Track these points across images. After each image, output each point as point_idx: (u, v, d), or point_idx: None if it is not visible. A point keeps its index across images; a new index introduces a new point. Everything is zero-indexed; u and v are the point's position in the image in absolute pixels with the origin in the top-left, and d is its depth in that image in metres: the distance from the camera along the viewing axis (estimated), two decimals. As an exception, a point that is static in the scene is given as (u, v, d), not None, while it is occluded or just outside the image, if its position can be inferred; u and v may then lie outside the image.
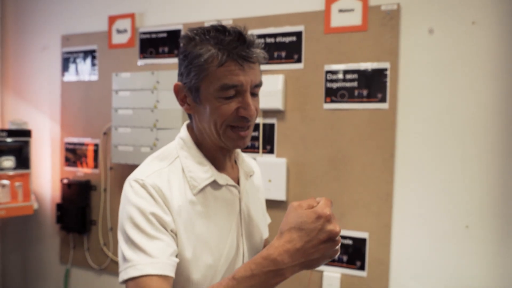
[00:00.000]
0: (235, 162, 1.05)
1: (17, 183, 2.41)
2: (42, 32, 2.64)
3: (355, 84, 1.82)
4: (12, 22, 2.75)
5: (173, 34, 2.20)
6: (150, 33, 2.26)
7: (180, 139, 0.98)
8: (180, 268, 0.86)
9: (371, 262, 1.80)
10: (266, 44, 1.97)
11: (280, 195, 1.92)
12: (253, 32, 1.98)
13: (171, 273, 0.81)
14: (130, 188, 0.88)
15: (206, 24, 0.92)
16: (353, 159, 1.82)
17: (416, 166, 1.74)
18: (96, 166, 2.43)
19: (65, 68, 2.54)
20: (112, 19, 2.36)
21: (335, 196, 1.84)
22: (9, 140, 2.40)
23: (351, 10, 1.82)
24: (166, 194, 0.87)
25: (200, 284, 0.88)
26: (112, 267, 2.39)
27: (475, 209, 1.65)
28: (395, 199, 1.77)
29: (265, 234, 1.16)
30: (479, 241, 1.64)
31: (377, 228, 1.79)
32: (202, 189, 0.93)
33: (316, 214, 0.74)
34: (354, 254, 1.83)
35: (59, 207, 2.49)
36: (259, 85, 0.92)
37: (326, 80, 1.87)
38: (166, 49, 2.22)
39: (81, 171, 2.48)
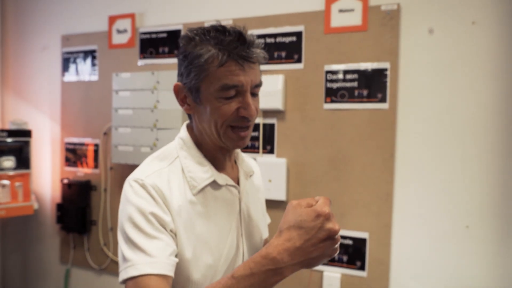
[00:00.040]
0: (235, 162, 1.06)
1: (17, 183, 2.41)
2: (42, 32, 2.64)
3: (355, 84, 1.82)
4: (12, 22, 2.75)
5: (173, 34, 2.20)
6: (150, 33, 2.26)
7: (180, 139, 0.99)
8: (180, 268, 0.86)
9: (371, 262, 1.80)
10: (266, 44, 1.97)
11: (280, 195, 1.92)
12: (253, 32, 1.98)
13: (171, 273, 0.81)
14: (130, 188, 0.88)
15: (206, 24, 0.92)
16: (353, 159, 1.82)
17: (416, 166, 1.74)
18: (96, 166, 2.43)
19: (65, 68, 2.54)
20: (112, 19, 2.36)
21: (335, 196, 1.84)
22: (9, 140, 2.40)
23: (351, 10, 1.82)
24: (166, 194, 0.87)
25: (200, 284, 0.89)
26: (112, 267, 2.39)
27: (475, 209, 1.65)
28: (395, 199, 1.77)
29: (265, 234, 1.16)
30: (479, 241, 1.64)
31: (377, 228, 1.79)
32: (202, 189, 0.93)
33: (315, 213, 0.74)
34: (354, 254, 1.83)
35: (59, 207, 2.49)
36: (259, 85, 0.92)
37: (326, 80, 1.87)
38: (166, 49, 2.22)
39: (81, 171, 2.48)
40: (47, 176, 2.63)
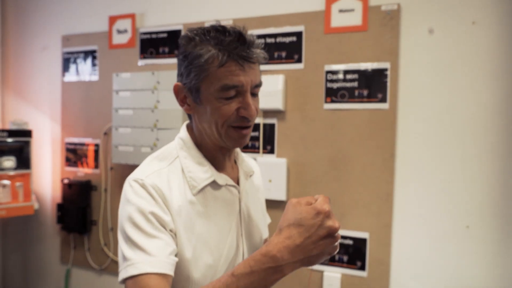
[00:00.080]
0: (235, 162, 1.06)
1: (17, 183, 2.41)
2: (42, 33, 2.64)
3: (355, 84, 1.82)
4: (12, 22, 2.76)
5: (174, 34, 2.20)
6: (150, 33, 2.26)
7: (180, 139, 0.99)
8: (180, 268, 0.87)
9: (372, 262, 1.80)
10: (266, 44, 1.97)
11: (281, 195, 1.92)
12: (253, 32, 1.98)
13: (170, 272, 0.81)
14: (130, 188, 0.88)
15: (207, 24, 0.92)
16: (353, 159, 1.82)
17: (417, 166, 1.74)
18: (96, 166, 2.43)
19: (65, 68, 2.54)
20: (112, 20, 2.36)
21: (335, 196, 1.84)
22: (9, 140, 2.40)
23: (351, 10, 1.82)
24: (165, 194, 0.88)
25: (201, 284, 0.89)
26: (112, 267, 2.39)
27: (476, 209, 1.65)
28: (396, 199, 1.77)
29: (265, 234, 1.16)
30: (479, 241, 1.64)
31: (378, 228, 1.79)
32: (202, 189, 0.93)
33: (315, 210, 0.75)
34: (354, 254, 1.83)
35: (60, 207, 2.49)
36: (259, 85, 0.92)
37: (326, 80, 1.87)
38: (166, 49, 2.22)
39: (82, 171, 2.48)
40: (48, 176, 2.63)
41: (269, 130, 1.98)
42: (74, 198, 2.43)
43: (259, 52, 0.88)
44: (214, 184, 0.95)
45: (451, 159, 1.68)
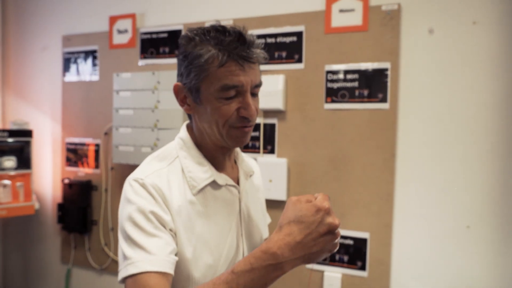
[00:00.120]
0: (235, 162, 1.06)
1: (18, 183, 2.41)
2: (43, 33, 2.64)
3: (355, 84, 1.82)
4: (13, 22, 2.76)
5: (174, 34, 2.20)
6: (150, 33, 2.26)
7: (180, 139, 0.99)
8: (180, 267, 0.87)
9: (372, 262, 1.80)
10: (266, 44, 1.97)
11: (281, 195, 1.92)
12: (253, 32, 1.98)
13: (170, 271, 0.81)
14: (130, 188, 0.88)
15: (207, 24, 0.92)
16: (353, 159, 1.82)
17: (417, 166, 1.73)
18: (97, 166, 2.43)
19: (66, 68, 2.54)
20: (113, 20, 2.36)
21: (336, 196, 1.84)
22: (10, 140, 2.40)
23: (352, 10, 1.81)
24: (165, 193, 0.88)
25: (201, 283, 0.89)
26: (113, 267, 2.40)
27: (476, 209, 1.65)
28: (396, 199, 1.77)
29: (265, 234, 1.16)
30: (480, 241, 1.64)
31: (378, 228, 1.78)
32: (202, 189, 0.93)
33: (315, 207, 0.75)
34: (355, 254, 1.83)
35: (60, 207, 2.49)
36: (259, 85, 0.92)
37: (327, 80, 1.87)
38: (166, 49, 2.22)
39: (82, 171, 2.48)
40: (48, 176, 2.63)
41: (270, 130, 1.98)
42: (74, 198, 2.43)
43: (259, 52, 0.88)
44: (214, 184, 0.95)
45: (451, 159, 1.68)
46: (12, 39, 2.76)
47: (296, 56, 1.92)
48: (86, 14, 2.49)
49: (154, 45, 2.25)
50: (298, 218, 0.75)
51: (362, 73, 1.80)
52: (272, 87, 1.90)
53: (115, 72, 2.26)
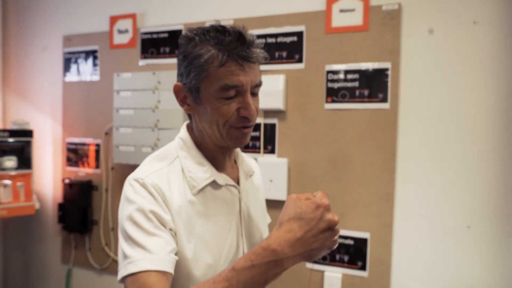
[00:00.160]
0: (235, 162, 1.06)
1: (19, 183, 2.42)
2: (43, 33, 2.65)
3: (356, 84, 1.81)
4: (13, 22, 2.76)
5: (174, 34, 2.21)
6: (151, 33, 2.27)
7: (180, 139, 0.99)
8: (180, 267, 0.87)
9: (372, 262, 1.80)
10: (267, 44, 1.97)
11: (281, 195, 1.91)
12: (254, 32, 1.98)
13: (170, 270, 0.81)
14: (130, 187, 0.88)
15: (207, 24, 0.92)
16: (354, 159, 1.82)
17: (417, 166, 1.73)
18: (97, 166, 2.44)
19: (66, 68, 2.55)
20: (113, 20, 2.36)
21: (336, 196, 1.84)
22: (11, 140, 2.40)
23: (352, 10, 1.81)
24: (166, 193, 0.88)
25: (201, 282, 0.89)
26: (113, 267, 2.40)
27: (477, 209, 1.64)
28: (396, 199, 1.76)
29: (265, 233, 1.16)
30: (480, 241, 1.64)
31: (378, 228, 1.78)
32: (202, 189, 0.93)
33: (315, 204, 0.75)
34: (355, 254, 1.83)
35: (61, 207, 2.49)
36: (259, 85, 0.92)
37: (327, 80, 1.86)
38: (167, 49, 2.22)
39: (83, 171, 2.48)
40: (49, 176, 2.63)
41: (270, 130, 1.98)
42: (75, 198, 2.44)
43: (259, 52, 0.88)
44: (214, 184, 0.95)
45: (452, 159, 1.68)
46: (12, 39, 2.77)
47: (297, 56, 1.92)
48: (87, 14, 2.49)
49: (154, 45, 2.26)
50: (298, 214, 0.75)
51: (362, 73, 1.80)
52: (273, 87, 1.90)
53: (116, 72, 2.26)
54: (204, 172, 0.94)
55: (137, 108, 2.15)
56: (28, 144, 2.47)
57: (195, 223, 0.90)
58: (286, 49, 1.94)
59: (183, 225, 0.88)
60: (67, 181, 2.46)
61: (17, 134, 2.43)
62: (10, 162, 2.39)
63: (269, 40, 1.98)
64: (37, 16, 2.67)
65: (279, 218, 0.79)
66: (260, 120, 1.99)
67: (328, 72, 1.86)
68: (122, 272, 0.80)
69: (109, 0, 2.40)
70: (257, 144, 2.01)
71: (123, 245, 0.84)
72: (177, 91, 0.94)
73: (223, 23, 0.91)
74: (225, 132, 0.90)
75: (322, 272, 1.88)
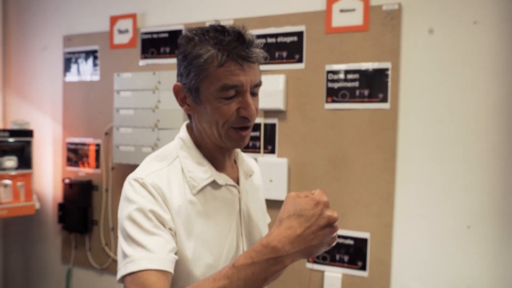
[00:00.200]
0: (235, 162, 1.06)
1: (19, 183, 2.42)
2: (43, 33, 2.65)
3: (356, 84, 1.81)
4: (14, 22, 2.76)
5: (174, 34, 2.21)
6: (151, 33, 2.27)
7: (180, 139, 0.99)
8: (180, 267, 0.87)
9: (372, 262, 1.80)
10: (267, 44, 1.97)
11: (281, 195, 1.91)
12: (254, 32, 1.98)
13: (170, 269, 0.81)
14: (130, 187, 0.88)
15: (207, 25, 0.92)
16: (354, 159, 1.82)
17: (418, 166, 1.73)
18: (97, 166, 2.44)
19: (67, 68, 2.55)
20: (113, 20, 2.36)
21: (336, 196, 1.84)
22: (11, 140, 2.41)
23: (352, 10, 1.81)
24: (165, 193, 0.88)
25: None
26: (113, 267, 2.40)
27: (477, 209, 1.64)
28: (396, 199, 1.76)
29: (265, 233, 1.16)
30: (480, 241, 1.64)
31: (378, 228, 1.78)
32: (202, 189, 0.93)
33: (314, 201, 0.76)
34: (355, 254, 1.82)
35: (61, 207, 2.49)
36: (258, 84, 0.92)
37: (327, 80, 1.86)
38: (167, 49, 2.22)
39: (83, 171, 2.48)
40: (49, 176, 2.64)
41: (270, 130, 1.98)
42: (75, 198, 2.44)
43: (259, 52, 0.88)
44: (214, 184, 0.95)
45: (452, 159, 1.68)
46: (13, 39, 2.77)
47: (297, 56, 1.92)
48: (87, 14, 2.49)
49: (154, 45, 2.26)
50: (298, 211, 0.76)
51: (362, 73, 1.80)
52: (273, 87, 1.90)
53: (116, 72, 2.26)
54: (204, 172, 0.94)
55: (137, 108, 2.15)
56: (28, 144, 2.47)
57: (195, 223, 0.90)
58: (286, 49, 1.94)
59: (183, 225, 0.88)
60: (67, 181, 2.46)
61: (17, 134, 2.43)
62: (10, 162, 2.39)
63: (269, 40, 1.98)
64: (37, 16, 2.67)
65: (278, 215, 0.79)
66: (260, 120, 1.99)
67: (328, 72, 1.86)
68: (122, 271, 0.80)
69: (109, 0, 2.40)
70: (257, 144, 2.01)
71: (122, 245, 0.84)
72: (176, 91, 0.94)
73: (223, 23, 0.91)
74: (224, 132, 0.90)
75: (322, 272, 1.88)
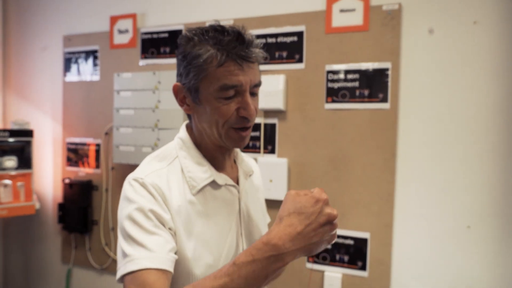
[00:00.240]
0: (235, 161, 1.06)
1: (19, 183, 2.42)
2: (43, 32, 2.65)
3: (356, 84, 1.81)
4: (14, 22, 2.76)
5: (174, 34, 2.21)
6: (151, 33, 2.27)
7: (179, 139, 0.99)
8: (180, 267, 0.87)
9: (373, 262, 1.80)
10: (267, 44, 1.97)
11: (281, 195, 1.91)
12: (254, 32, 1.98)
13: (170, 269, 0.81)
14: (130, 187, 0.88)
15: (207, 25, 0.92)
16: (354, 159, 1.82)
17: (418, 166, 1.73)
18: (97, 166, 2.44)
19: (67, 68, 2.55)
20: (113, 20, 2.36)
21: (336, 196, 1.84)
22: (11, 140, 2.41)
23: (352, 10, 1.81)
24: (165, 193, 0.88)
25: None
26: (113, 267, 2.40)
27: (477, 209, 1.64)
28: (397, 199, 1.76)
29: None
30: (480, 241, 1.64)
31: (379, 228, 1.78)
32: (201, 189, 0.93)
33: (314, 199, 0.77)
34: (355, 254, 1.82)
35: (61, 207, 2.49)
36: (258, 84, 0.92)
37: (327, 80, 1.86)
38: (167, 49, 2.22)
39: (83, 171, 2.48)
40: (49, 176, 2.64)
41: (270, 130, 1.98)
42: (75, 198, 2.44)
43: (258, 52, 0.88)
44: (213, 184, 0.95)
45: (452, 159, 1.68)
46: (13, 39, 2.77)
47: (297, 56, 1.92)
48: (87, 14, 2.49)
49: (154, 45, 2.26)
50: (298, 209, 0.76)
51: (362, 73, 1.80)
52: (273, 87, 1.90)
53: (116, 72, 2.26)
54: (203, 172, 0.94)
55: (137, 108, 2.15)
56: (28, 144, 2.47)
57: (195, 223, 0.90)
58: (286, 49, 1.94)
59: (182, 225, 0.88)
60: (67, 181, 2.46)
61: (17, 134, 2.43)
62: (10, 162, 2.39)
63: (269, 40, 1.98)
64: (37, 16, 2.67)
65: (278, 213, 0.79)
66: (260, 120, 1.98)
67: (328, 72, 1.86)
68: (121, 270, 0.80)
69: (109, 0, 2.40)
70: (257, 144, 2.01)
71: (122, 244, 0.84)
72: (176, 91, 0.94)
73: (223, 23, 0.91)
74: (224, 132, 0.90)
75: (322, 272, 1.88)
